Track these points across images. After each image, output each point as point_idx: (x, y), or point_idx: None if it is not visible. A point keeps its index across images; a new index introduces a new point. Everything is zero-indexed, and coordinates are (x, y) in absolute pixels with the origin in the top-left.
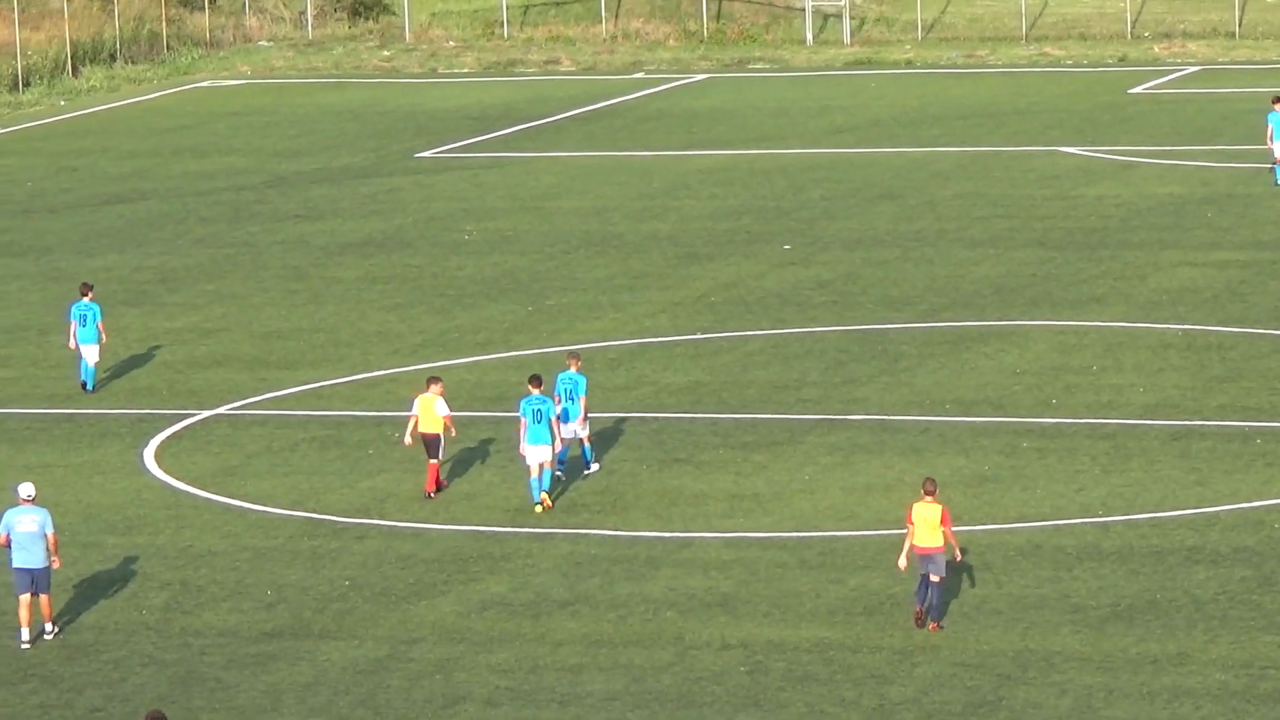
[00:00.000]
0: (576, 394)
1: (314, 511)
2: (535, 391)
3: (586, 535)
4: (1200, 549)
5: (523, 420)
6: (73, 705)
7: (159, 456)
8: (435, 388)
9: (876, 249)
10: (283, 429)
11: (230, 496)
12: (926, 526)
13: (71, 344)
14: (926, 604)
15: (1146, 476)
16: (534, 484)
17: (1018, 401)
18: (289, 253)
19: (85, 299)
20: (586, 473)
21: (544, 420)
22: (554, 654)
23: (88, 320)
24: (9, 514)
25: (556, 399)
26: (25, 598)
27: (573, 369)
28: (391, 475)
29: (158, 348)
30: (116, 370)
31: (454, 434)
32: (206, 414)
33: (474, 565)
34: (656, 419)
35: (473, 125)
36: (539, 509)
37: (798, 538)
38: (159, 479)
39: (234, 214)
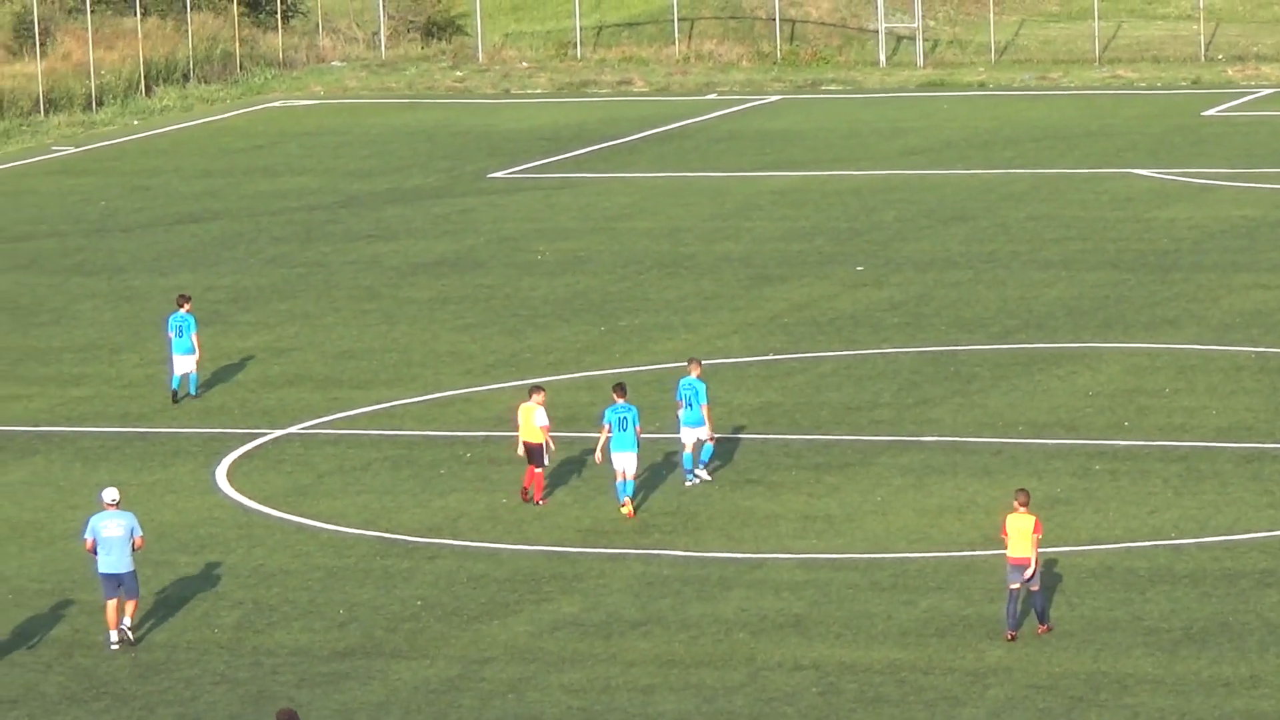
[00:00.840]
0: (697, 400)
1: (386, 531)
2: (620, 400)
3: (659, 556)
4: (1273, 572)
5: (606, 427)
6: None
7: (231, 475)
8: (537, 397)
9: (949, 270)
10: (355, 448)
11: (302, 516)
12: (1020, 537)
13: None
14: (1020, 618)
15: (1219, 499)
16: (620, 486)
17: (1090, 423)
18: (361, 272)
19: (182, 310)
20: (689, 483)
21: (629, 428)
22: (626, 674)
23: (183, 332)
24: (94, 519)
25: (679, 404)
26: (113, 602)
27: (693, 374)
28: (464, 495)
29: (230, 367)
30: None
31: (553, 448)
32: (279, 433)
33: (546, 585)
34: (729, 439)
35: (545, 146)
36: (624, 510)
37: (870, 559)
38: (231, 498)
39: (306, 234)
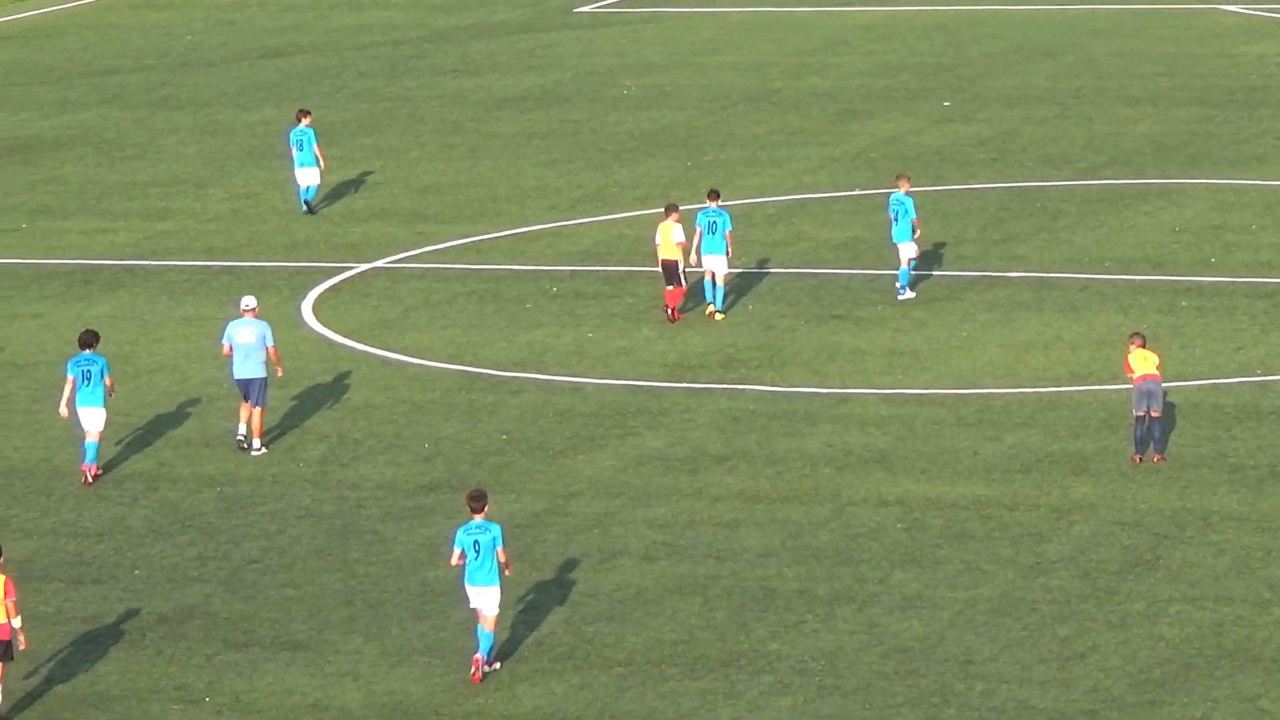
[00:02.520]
0: (905, 215)
1: (471, 365)
2: (712, 204)
3: (744, 391)
4: None
5: (698, 230)
6: (230, 556)
7: (316, 309)
8: (674, 215)
9: (1036, 106)
10: (440, 283)
11: (387, 350)
12: (1147, 364)
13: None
14: (1146, 442)
15: None
16: (707, 286)
17: (1176, 260)
18: (446, 107)
19: (302, 124)
20: (901, 298)
21: (719, 231)
22: (711, 509)
23: (304, 145)
24: (230, 326)
25: (891, 218)
26: (246, 405)
27: (902, 190)
28: (549, 329)
29: (316, 201)
30: (275, 224)
31: (686, 266)
32: (364, 267)
33: (631, 420)
34: (815, 275)
35: None
36: (709, 311)
37: (955, 394)
38: (317, 332)
39: (391, 68)
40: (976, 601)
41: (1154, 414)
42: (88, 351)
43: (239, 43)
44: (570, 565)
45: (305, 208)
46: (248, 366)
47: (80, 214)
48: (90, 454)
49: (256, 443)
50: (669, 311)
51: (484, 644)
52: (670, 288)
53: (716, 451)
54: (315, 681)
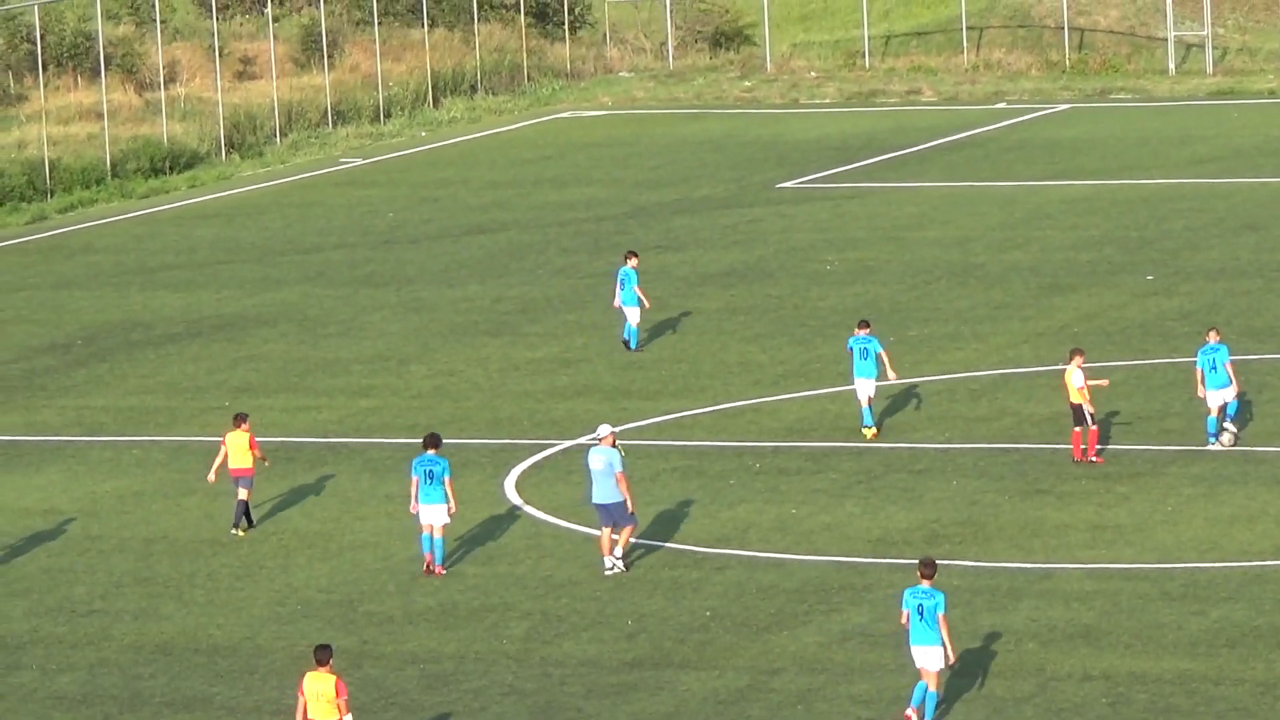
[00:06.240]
0: (1221, 361)
1: (675, 541)
2: (862, 332)
3: (948, 566)
4: None
5: (850, 353)
6: None
7: (520, 486)
8: (1077, 359)
9: (1240, 280)
10: (644, 459)
11: (591, 526)
12: None
13: (615, 303)
14: None
15: None
16: (865, 412)
17: None
18: (650, 283)
19: (628, 265)
20: (1217, 445)
21: (870, 357)
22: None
23: (626, 284)
24: (589, 453)
25: (1199, 371)
26: (605, 530)
27: (1213, 340)
28: (753, 505)
29: (519, 377)
30: (478, 400)
31: (1091, 409)
32: (568, 444)
33: (835, 595)
34: (1019, 449)
35: (834, 155)
36: (867, 433)
37: (1160, 569)
38: (520, 509)
39: (594, 244)
40: None
41: None
42: (431, 453)
43: (442, 219)
44: None
45: (628, 346)
46: (600, 492)
47: (283, 391)
48: (437, 554)
49: (618, 552)
50: (1080, 454)
51: (929, 702)
52: (1076, 429)
53: None
54: None
